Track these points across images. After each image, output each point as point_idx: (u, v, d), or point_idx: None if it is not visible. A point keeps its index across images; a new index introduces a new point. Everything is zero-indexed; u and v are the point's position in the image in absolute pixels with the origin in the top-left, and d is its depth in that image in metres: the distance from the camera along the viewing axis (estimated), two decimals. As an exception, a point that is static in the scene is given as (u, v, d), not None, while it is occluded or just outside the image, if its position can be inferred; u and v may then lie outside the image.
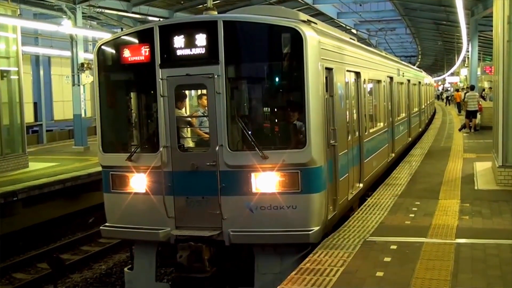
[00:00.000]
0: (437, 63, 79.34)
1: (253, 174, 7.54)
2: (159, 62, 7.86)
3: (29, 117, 29.32)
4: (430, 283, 5.79)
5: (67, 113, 33.84)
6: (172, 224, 7.90)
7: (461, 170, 13.49)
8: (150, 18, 25.06)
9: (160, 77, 7.86)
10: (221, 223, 7.66)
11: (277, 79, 8.18)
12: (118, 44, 8.34)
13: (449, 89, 60.00)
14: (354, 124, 10.13)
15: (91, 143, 22.25)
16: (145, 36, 8.04)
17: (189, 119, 8.99)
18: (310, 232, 7.40)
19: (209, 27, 7.69)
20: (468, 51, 39.28)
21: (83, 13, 22.25)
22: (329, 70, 8.34)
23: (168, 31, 7.87)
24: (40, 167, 17.57)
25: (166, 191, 7.86)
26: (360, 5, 34.24)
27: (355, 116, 10.28)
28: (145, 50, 7.97)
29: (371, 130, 11.96)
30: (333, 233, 7.93)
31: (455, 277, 5.97)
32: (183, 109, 8.99)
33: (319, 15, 30.87)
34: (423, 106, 27.01)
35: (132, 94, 8.83)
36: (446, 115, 35.24)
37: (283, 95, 8.36)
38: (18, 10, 18.24)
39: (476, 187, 11.34)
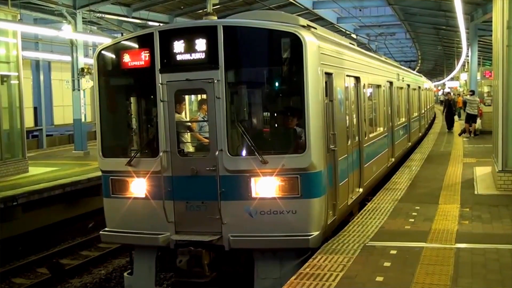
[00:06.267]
0: (437, 67, 79.43)
1: (253, 179, 7.54)
2: (159, 67, 7.87)
3: (29, 122, 29.30)
4: (430, 288, 5.79)
5: (67, 117, 33.83)
6: (172, 229, 7.90)
7: (461, 175, 13.50)
8: (150, 23, 25.08)
9: (160, 82, 7.87)
10: (221, 228, 7.66)
11: (276, 84, 8.19)
12: (118, 49, 8.36)
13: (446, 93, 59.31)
14: (354, 129, 10.14)
15: (91, 148, 22.24)
16: (145, 41, 8.05)
17: (189, 124, 9.01)
18: (310, 237, 7.40)
19: (209, 32, 7.70)
20: (468, 56, 39.32)
21: (83, 18, 22.29)
22: (328, 75, 8.35)
23: (168, 36, 7.88)
24: (40, 172, 17.58)
25: (166, 196, 7.86)
26: (360, 10, 34.26)
27: (355, 121, 10.29)
28: (145, 55, 7.99)
29: (371, 135, 11.96)
30: (333, 237, 7.93)
31: (455, 282, 5.96)
32: (183, 113, 9.01)
33: (319, 20, 30.93)
34: (423, 111, 27.02)
35: (132, 99, 8.83)
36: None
37: (283, 100, 8.37)
38: (19, 15, 18.27)
39: (476, 192, 11.34)
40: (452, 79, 64.37)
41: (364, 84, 11.18)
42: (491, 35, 17.04)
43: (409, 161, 16.42)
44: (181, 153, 8.05)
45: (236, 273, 8.09)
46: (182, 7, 26.04)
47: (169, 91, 7.89)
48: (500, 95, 11.12)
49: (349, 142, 9.61)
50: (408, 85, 20.18)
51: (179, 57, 7.80)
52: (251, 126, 8.15)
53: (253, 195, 7.56)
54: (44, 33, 27.89)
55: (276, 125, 8.35)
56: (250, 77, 8.24)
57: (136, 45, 8.24)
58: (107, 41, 9.88)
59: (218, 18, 8.80)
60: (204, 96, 8.43)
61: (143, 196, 8.06)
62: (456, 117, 31.17)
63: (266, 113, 8.32)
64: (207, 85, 7.68)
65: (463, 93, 43.28)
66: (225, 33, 7.60)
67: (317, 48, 7.75)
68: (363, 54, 12.81)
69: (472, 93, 25.75)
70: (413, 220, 8.95)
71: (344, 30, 34.56)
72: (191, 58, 7.75)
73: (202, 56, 7.71)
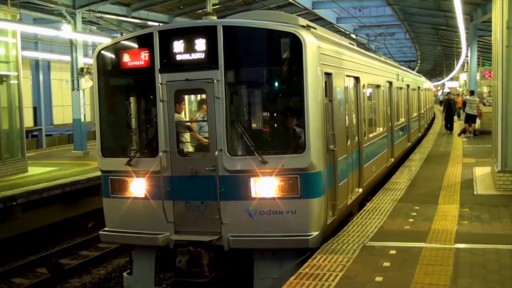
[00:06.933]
0: (436, 68, 79.45)
1: (252, 179, 7.54)
2: (159, 67, 7.87)
3: (28, 122, 29.31)
4: (430, 288, 5.79)
5: (66, 117, 33.87)
6: (172, 229, 7.90)
7: (460, 175, 13.50)
8: (150, 23, 25.09)
9: (160, 82, 7.87)
10: (220, 228, 7.66)
11: (276, 84, 8.19)
12: (117, 49, 8.35)
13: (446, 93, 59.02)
14: (353, 129, 10.14)
15: (91, 147, 22.24)
16: (144, 41, 8.05)
17: (189, 123, 9.01)
18: (309, 237, 7.40)
19: (208, 32, 7.70)
20: (467, 56, 39.32)
21: (83, 18, 22.29)
22: (328, 75, 8.35)
23: (167, 36, 7.88)
24: (40, 172, 17.56)
25: (166, 196, 7.86)
26: (360, 10, 34.27)
27: (354, 121, 10.29)
28: (144, 55, 7.98)
29: (370, 135, 11.96)
30: (332, 238, 7.93)
31: (454, 282, 5.97)
32: (182, 113, 9.01)
33: (319, 20, 30.94)
34: (423, 111, 27.02)
35: (132, 99, 8.83)
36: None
37: (283, 100, 8.36)
38: (18, 15, 18.27)
39: (475, 192, 11.34)
40: (451, 79, 64.43)
41: (364, 84, 11.18)
42: (490, 35, 17.06)
43: (409, 161, 16.42)
44: (181, 153, 8.05)
45: (235, 273, 8.09)
46: (181, 7, 26.03)
47: (168, 91, 7.89)
48: (500, 95, 11.13)
49: (348, 142, 9.61)
50: (408, 85, 20.19)
51: (178, 57, 7.80)
52: (251, 126, 8.15)
53: (253, 195, 7.56)
54: (43, 33, 27.88)
55: (275, 125, 8.35)
56: (249, 77, 8.23)
57: (135, 45, 8.24)
58: (106, 41, 9.88)
59: (218, 18, 8.79)
60: (204, 96, 8.43)
61: (143, 196, 8.06)
62: (455, 117, 30.55)
63: (265, 113, 8.32)
64: (206, 85, 7.68)
65: (463, 93, 43.26)
66: (225, 33, 7.59)
67: (317, 48, 7.75)
68: (363, 54, 12.81)
69: (472, 93, 25.76)
70: (412, 220, 8.96)
71: (343, 30, 34.59)
72: (191, 58, 7.75)
73: (201, 56, 7.71)
